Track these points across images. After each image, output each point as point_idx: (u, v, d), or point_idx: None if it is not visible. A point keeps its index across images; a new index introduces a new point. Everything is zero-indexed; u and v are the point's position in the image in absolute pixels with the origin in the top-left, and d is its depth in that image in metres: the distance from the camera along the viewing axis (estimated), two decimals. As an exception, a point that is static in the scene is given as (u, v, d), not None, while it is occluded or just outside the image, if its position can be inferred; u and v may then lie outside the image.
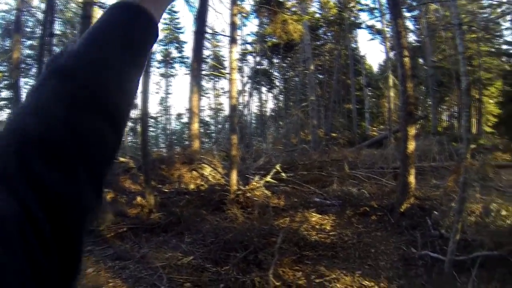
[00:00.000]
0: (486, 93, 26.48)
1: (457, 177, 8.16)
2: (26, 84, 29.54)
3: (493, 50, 25.00)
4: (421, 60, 27.59)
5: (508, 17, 22.95)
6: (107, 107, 0.61)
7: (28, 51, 29.18)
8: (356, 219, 7.84)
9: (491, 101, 26.94)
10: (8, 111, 31.07)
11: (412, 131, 7.95)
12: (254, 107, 37.65)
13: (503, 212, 6.69)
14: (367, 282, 5.39)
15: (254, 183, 9.63)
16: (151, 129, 43.63)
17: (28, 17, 20.01)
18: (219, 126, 35.94)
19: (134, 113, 36.00)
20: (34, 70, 26.93)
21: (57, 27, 19.45)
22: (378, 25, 27.90)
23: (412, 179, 7.93)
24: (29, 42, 28.87)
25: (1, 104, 32.46)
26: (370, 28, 30.06)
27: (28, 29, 26.33)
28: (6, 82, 30.01)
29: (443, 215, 6.96)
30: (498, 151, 16.18)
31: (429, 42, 24.34)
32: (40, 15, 17.88)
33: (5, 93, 31.28)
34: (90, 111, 0.58)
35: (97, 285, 5.27)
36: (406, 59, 7.97)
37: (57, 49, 23.15)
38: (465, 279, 5.11)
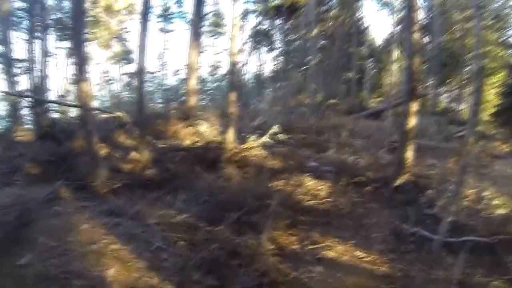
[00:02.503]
0: (488, 82, 26.24)
1: (459, 159, 8.11)
2: (17, 38, 29.29)
3: (501, 39, 24.54)
4: (427, 39, 27.08)
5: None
6: None
7: (18, 3, 28.43)
8: (351, 188, 7.77)
9: (492, 90, 26.74)
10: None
11: (414, 106, 7.87)
12: (253, 67, 37.19)
13: (495, 201, 6.84)
14: (359, 253, 5.48)
15: (250, 142, 9.55)
16: (148, 84, 43.25)
17: None
18: (217, 83, 35.63)
19: (131, 68, 35.77)
20: (25, 23, 26.43)
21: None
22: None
23: (409, 154, 7.93)
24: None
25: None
26: (378, -1, 29.44)
27: None
28: (-4, 36, 29.37)
29: (438, 195, 7.00)
30: (497, 140, 16.09)
31: (438, 21, 23.76)
32: None
33: (-4, 48, 30.62)
34: None
35: (92, 241, 5.23)
36: (415, 35, 7.81)
37: (48, 0, 22.60)
38: (452, 260, 5.21)
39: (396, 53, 20.64)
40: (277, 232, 5.79)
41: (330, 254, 5.38)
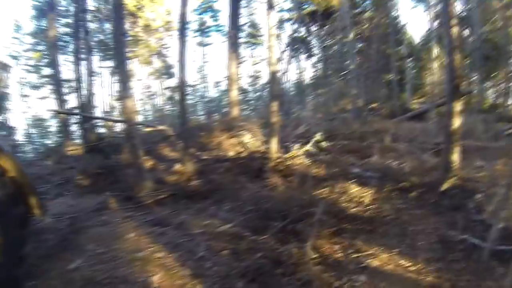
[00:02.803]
0: None
1: (508, 160, 7.72)
2: (65, 61, 30.90)
3: None
4: (467, 32, 26.06)
5: None
6: None
7: (64, 29, 30.02)
8: (396, 194, 7.50)
9: None
10: (50, 87, 32.23)
11: (458, 106, 7.44)
12: (292, 75, 37.19)
13: None
14: (404, 262, 5.20)
15: (294, 151, 9.52)
16: (189, 97, 44.17)
17: None
18: (258, 93, 35.86)
19: (172, 82, 36.60)
20: (71, 46, 27.79)
21: (90, 3, 19.88)
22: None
23: (456, 157, 7.51)
24: (64, 20, 29.67)
25: (43, 81, 33.65)
26: (414, -5, 28.79)
27: (62, 8, 27.04)
28: (46, 60, 31.17)
29: (487, 199, 6.55)
30: None
31: (477, 12, 22.86)
32: None
33: (46, 71, 32.40)
34: None
35: (138, 249, 5.37)
36: (454, 29, 7.43)
37: (91, 25, 23.79)
38: (504, 270, 4.80)
39: (436, 50, 19.94)
40: (321, 241, 5.67)
41: (374, 262, 5.18)
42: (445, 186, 7.31)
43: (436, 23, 21.35)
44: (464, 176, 7.80)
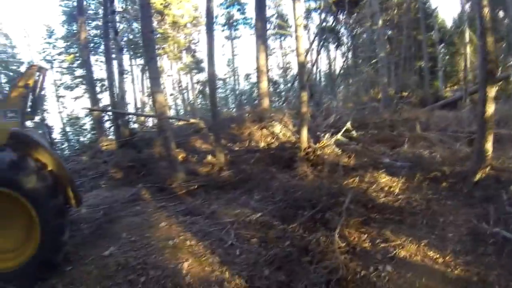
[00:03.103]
0: None
1: None
2: (96, 61, 31.74)
3: None
4: (501, 13, 25.02)
5: None
6: None
7: (94, 31, 30.89)
8: (426, 184, 7.35)
9: None
10: (83, 87, 33.22)
11: (492, 92, 7.00)
12: (322, 65, 36.96)
13: None
14: (432, 253, 5.07)
15: (324, 141, 9.52)
16: (220, 90, 44.56)
17: (89, 0, 21.21)
18: (288, 84, 35.75)
19: (202, 76, 37.00)
20: (102, 47, 28.57)
21: (118, 4, 20.40)
22: (452, -27, 25.90)
23: (489, 146, 7.09)
24: (94, 23, 30.57)
25: (77, 81, 34.72)
26: (444, -24, 27.86)
27: (91, 12, 27.84)
28: (78, 61, 32.17)
29: None
30: None
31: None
32: None
33: (79, 71, 33.40)
34: None
35: (169, 237, 5.57)
36: (486, 10, 6.97)
37: (120, 25, 24.39)
38: None
39: (468, 34, 19.27)
40: (349, 230, 5.65)
41: (402, 253, 5.08)
42: (477, 176, 7.01)
43: (468, 5, 20.55)
44: (499, 166, 7.53)
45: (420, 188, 7.21)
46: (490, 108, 6.98)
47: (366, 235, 5.61)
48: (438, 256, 5.02)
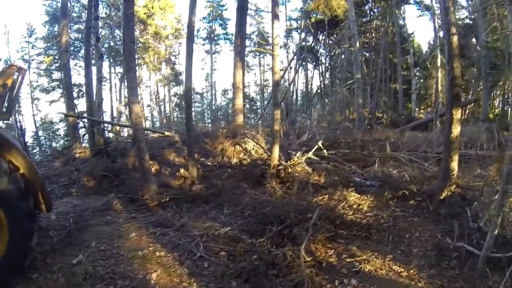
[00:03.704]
0: None
1: (499, 167, 7.77)
2: (75, 65, 31.43)
3: None
4: (473, 40, 26.07)
5: None
6: None
7: (75, 35, 30.71)
8: (394, 202, 7.58)
9: None
10: (60, 91, 32.80)
11: (457, 114, 7.38)
12: (300, 84, 37.50)
13: None
14: (397, 267, 5.31)
15: (295, 158, 9.66)
16: (197, 104, 44.62)
17: (73, 3, 21.05)
18: (265, 102, 36.10)
19: (180, 89, 36.99)
20: (82, 52, 28.38)
21: (102, 10, 20.29)
22: (427, 1, 26.91)
23: (454, 165, 7.44)
24: (76, 26, 30.35)
25: (53, 85, 34.23)
26: (419, 3, 28.89)
27: (74, 14, 27.68)
28: (57, 64, 31.76)
29: (483, 207, 6.54)
30: None
31: (481, 19, 22.86)
32: (85, 1, 18.65)
33: (56, 75, 32.99)
34: None
35: (139, 247, 5.65)
36: (454, 37, 7.37)
37: (102, 31, 24.29)
38: (499, 278, 4.83)
39: (440, 59, 19.98)
40: (316, 245, 5.82)
41: (367, 267, 5.28)
42: (443, 194, 7.31)
43: (441, 32, 21.29)
44: (463, 184, 7.93)
45: (388, 206, 7.42)
46: (456, 130, 7.29)
47: (332, 250, 5.80)
48: (402, 270, 5.23)
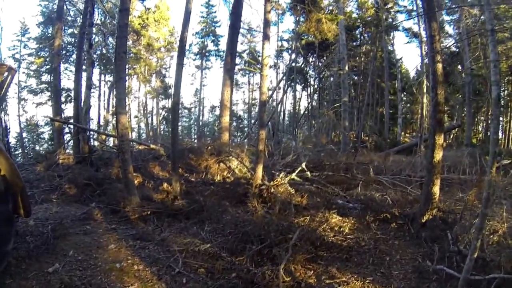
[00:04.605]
0: None
1: (478, 191, 7.94)
2: (66, 70, 31.25)
3: None
4: (459, 67, 26.79)
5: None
6: None
7: (69, 39, 30.59)
8: (376, 225, 7.74)
9: None
10: (48, 94, 32.49)
11: (440, 139, 7.62)
12: (288, 104, 37.80)
13: None
14: None
15: (278, 179, 9.71)
16: (185, 119, 44.56)
17: (69, 7, 21.01)
18: (252, 121, 36.23)
19: (168, 102, 36.96)
20: (73, 56, 28.21)
21: (97, 17, 20.29)
22: (415, 28, 27.56)
23: (436, 189, 7.66)
24: (70, 30, 30.30)
25: (42, 87, 33.92)
26: (407, 30, 29.65)
27: (69, 18, 27.62)
28: (47, 67, 31.51)
29: (463, 230, 6.71)
30: None
31: (466, 47, 23.52)
32: (81, 5, 18.66)
33: (46, 77, 32.70)
34: None
35: (117, 260, 5.61)
36: (439, 65, 7.65)
37: (96, 37, 24.24)
38: None
39: (426, 85, 20.42)
40: (295, 265, 5.86)
41: None
42: (425, 218, 7.48)
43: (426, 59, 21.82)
44: (445, 208, 8.11)
45: (370, 229, 7.55)
46: (438, 155, 7.49)
47: (312, 271, 5.84)
48: None
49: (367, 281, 5.58)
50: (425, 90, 21.03)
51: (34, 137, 36.58)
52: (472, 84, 23.64)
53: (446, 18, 24.90)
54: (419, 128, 23.31)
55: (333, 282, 5.52)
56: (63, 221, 7.07)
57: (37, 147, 33.73)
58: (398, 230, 7.56)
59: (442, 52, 7.87)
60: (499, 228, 6.40)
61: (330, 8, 24.78)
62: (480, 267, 5.45)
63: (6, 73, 5.55)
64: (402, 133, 28.62)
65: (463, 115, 27.22)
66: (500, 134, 27.45)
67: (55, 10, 22.87)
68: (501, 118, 27.31)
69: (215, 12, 39.10)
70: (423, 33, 22.83)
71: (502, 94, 25.99)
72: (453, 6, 19.68)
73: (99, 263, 5.43)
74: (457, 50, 26.42)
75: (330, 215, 8.02)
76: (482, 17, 20.29)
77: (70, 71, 31.19)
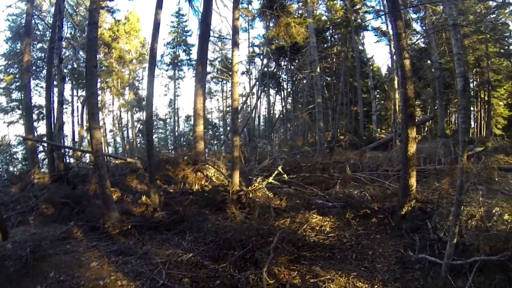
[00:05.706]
0: (495, 94, 26.29)
1: (452, 179, 8.19)
2: (36, 86, 30.63)
3: (502, 51, 24.53)
4: (428, 62, 27.44)
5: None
6: None
7: (38, 54, 29.97)
8: (356, 222, 7.90)
9: (500, 103, 26.74)
10: (19, 112, 31.82)
11: (413, 133, 7.84)
12: (262, 109, 37.98)
13: (506, 216, 6.43)
14: (361, 284, 5.50)
15: (256, 184, 9.80)
16: (160, 130, 44.23)
17: (38, 21, 20.61)
18: (228, 128, 36.22)
19: (143, 115, 36.61)
20: (44, 72, 27.69)
21: (66, 31, 19.92)
22: (384, 27, 28.07)
23: (413, 181, 7.83)
24: (39, 45, 29.68)
25: (13, 105, 33.18)
26: (376, 30, 30.10)
27: (38, 33, 27.05)
28: (17, 83, 30.84)
29: (441, 218, 6.93)
30: (504, 153, 15.59)
31: (433, 43, 24.10)
32: (49, 19, 18.37)
33: (16, 95, 32.04)
34: None
35: (100, 277, 5.58)
36: (406, 61, 7.88)
37: (66, 51, 23.86)
38: (462, 284, 5.12)
39: (397, 81, 20.85)
40: (279, 268, 5.95)
41: (331, 286, 5.45)
42: (404, 210, 7.70)
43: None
44: (422, 198, 8.38)
45: (350, 225, 7.71)
46: (412, 148, 7.71)
47: (296, 272, 5.93)
48: (367, 286, 5.45)
49: (352, 276, 5.71)
50: (396, 86, 21.46)
51: (7, 157, 35.61)
52: (441, 77, 24.22)
53: (413, 16, 25.46)
54: (393, 123, 23.75)
55: (318, 280, 5.63)
56: (42, 242, 6.96)
57: (11, 168, 32.85)
58: (379, 224, 7.75)
59: (410, 48, 8.10)
60: (476, 212, 6.62)
61: (300, 11, 25.07)
62: (461, 252, 5.67)
63: None
64: (378, 129, 29.07)
65: (435, 108, 27.80)
66: (472, 123, 28.23)
67: (23, 25, 22.39)
68: (472, 108, 28.15)
69: (185, 21, 38.86)
70: (391, 32, 23.32)
71: (471, 85, 26.67)
72: (417, 4, 20.09)
73: (81, 282, 5.39)
74: (425, 46, 27.06)
75: (310, 216, 8.19)
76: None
77: (41, 87, 30.54)
